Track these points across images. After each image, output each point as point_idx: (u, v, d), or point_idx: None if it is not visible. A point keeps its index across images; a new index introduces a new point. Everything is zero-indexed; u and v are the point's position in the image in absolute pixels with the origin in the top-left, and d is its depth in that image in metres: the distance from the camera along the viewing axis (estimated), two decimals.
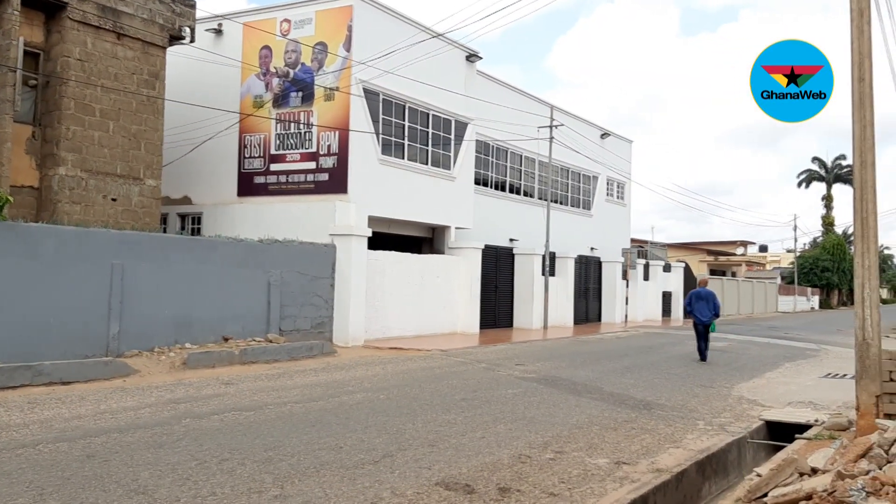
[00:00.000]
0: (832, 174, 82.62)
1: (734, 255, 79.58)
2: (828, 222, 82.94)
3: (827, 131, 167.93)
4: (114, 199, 15.35)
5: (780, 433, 10.09)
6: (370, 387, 11.27)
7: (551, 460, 7.30)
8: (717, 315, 17.48)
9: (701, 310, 17.30)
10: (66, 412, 8.65)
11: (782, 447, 9.61)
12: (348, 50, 17.93)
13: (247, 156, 19.27)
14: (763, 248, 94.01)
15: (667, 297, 34.95)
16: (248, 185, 19.18)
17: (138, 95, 15.71)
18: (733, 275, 63.00)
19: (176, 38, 16.51)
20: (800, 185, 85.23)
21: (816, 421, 9.93)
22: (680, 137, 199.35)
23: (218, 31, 19.53)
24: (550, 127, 25.57)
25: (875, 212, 8.80)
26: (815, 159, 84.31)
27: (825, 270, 73.01)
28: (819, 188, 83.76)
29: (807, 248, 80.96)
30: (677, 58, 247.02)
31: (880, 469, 6.17)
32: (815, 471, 6.60)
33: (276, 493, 5.92)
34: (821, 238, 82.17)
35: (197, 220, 19.76)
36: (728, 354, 18.88)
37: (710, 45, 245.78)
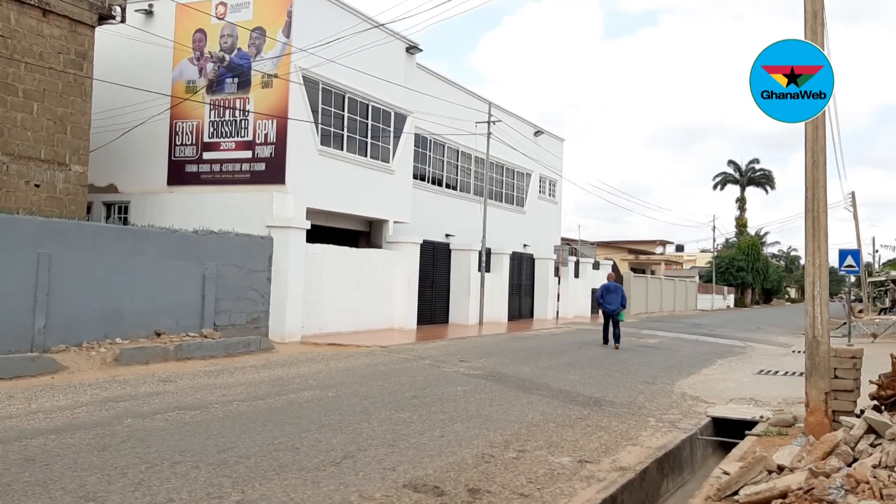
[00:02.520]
0: (746, 177, 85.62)
1: (654, 254, 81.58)
2: (741, 223, 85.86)
3: (739, 135, 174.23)
4: (37, 186, 14.45)
5: (726, 429, 10.23)
6: (316, 384, 10.91)
7: (515, 459, 7.14)
8: (623, 306, 19.69)
9: (610, 301, 19.45)
10: None
11: (732, 443, 9.74)
12: (288, 36, 17.37)
13: (178, 143, 18.48)
14: (679, 248, 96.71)
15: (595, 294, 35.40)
16: (179, 174, 18.40)
17: (65, 76, 14.83)
18: (652, 273, 64.44)
19: (105, 18, 15.65)
20: (715, 186, 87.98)
21: (762, 417, 10.07)
22: (599, 138, 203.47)
23: (148, 12, 18.65)
24: (488, 122, 25.50)
25: (826, 210, 8.94)
26: (730, 162, 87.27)
27: (740, 270, 75.52)
28: (733, 190, 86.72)
29: (719, 248, 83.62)
30: (600, 59, 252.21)
31: (848, 466, 6.23)
32: (780, 468, 6.61)
33: (237, 498, 5.56)
34: (733, 238, 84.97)
35: (124, 209, 18.84)
36: (662, 351, 19.18)
37: (630, 48, 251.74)
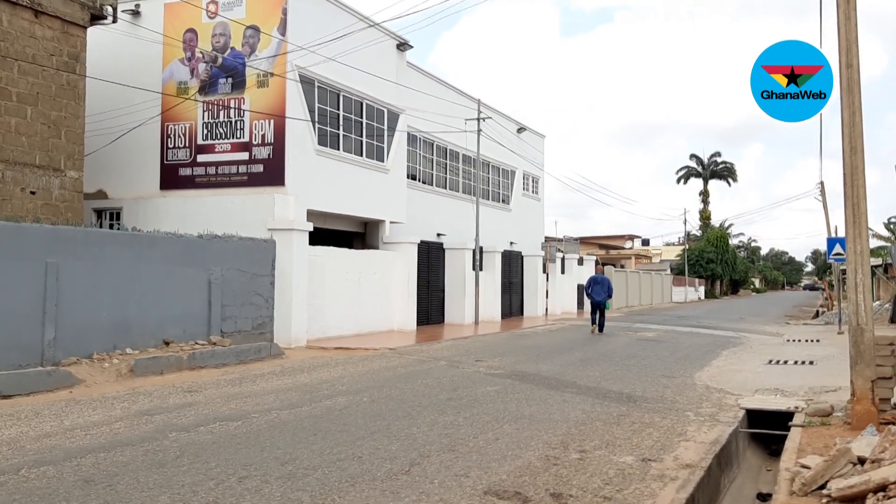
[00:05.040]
0: (708, 171, 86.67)
1: (623, 248, 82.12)
2: (705, 216, 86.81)
3: (695, 131, 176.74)
4: (33, 193, 13.88)
5: (759, 420, 10.16)
6: (345, 389, 10.60)
7: (580, 460, 6.95)
8: (609, 296, 21.95)
9: (597, 292, 21.63)
10: (29, 430, 7.60)
11: (774, 435, 9.69)
12: (283, 34, 16.95)
13: (170, 146, 17.93)
14: (645, 242, 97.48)
15: (581, 289, 35.40)
16: (172, 178, 17.87)
17: (58, 78, 14.27)
18: (622, 266, 64.79)
19: (97, 18, 15.12)
20: (679, 180, 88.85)
21: (796, 408, 10.01)
22: (559, 135, 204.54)
23: (135, 12, 18.04)
24: (478, 120, 25.28)
25: (865, 197, 8.87)
26: (692, 156, 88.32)
27: (710, 262, 76.26)
28: (696, 184, 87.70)
29: (681, 241, 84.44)
30: (558, 57, 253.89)
31: None
32: (861, 460, 6.49)
33: None
34: (696, 232, 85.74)
35: (116, 215, 18.25)
36: (664, 344, 19.14)
37: (587, 46, 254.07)
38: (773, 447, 9.86)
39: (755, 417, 10.29)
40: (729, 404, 10.48)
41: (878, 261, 38.29)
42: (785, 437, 9.14)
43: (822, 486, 6.17)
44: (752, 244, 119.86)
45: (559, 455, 7.11)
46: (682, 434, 8.39)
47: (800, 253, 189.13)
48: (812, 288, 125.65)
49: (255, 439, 7.38)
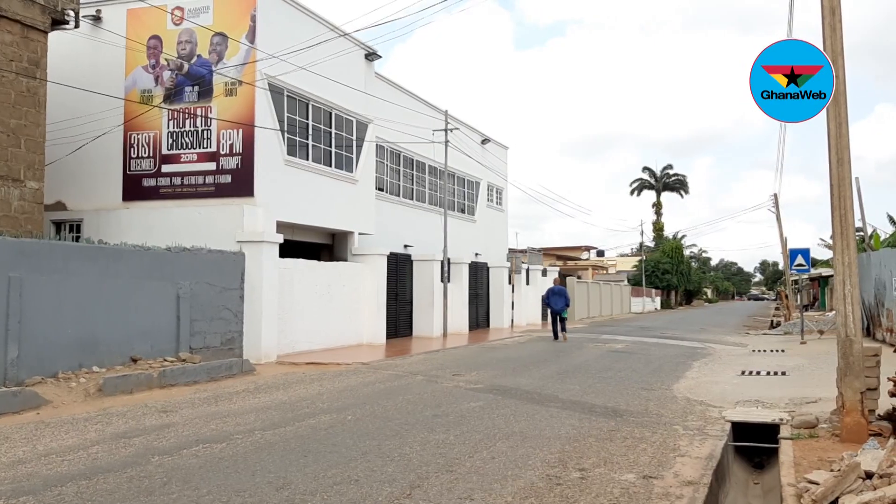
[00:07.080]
0: (661, 183, 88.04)
1: (580, 259, 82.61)
2: (658, 228, 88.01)
3: (644, 143, 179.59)
4: None
5: (743, 433, 10.11)
6: (326, 407, 10.27)
7: (582, 480, 6.77)
8: (567, 305, 23.49)
9: (556, 302, 23.11)
10: (0, 456, 7.14)
11: (761, 448, 9.64)
12: (252, 42, 16.57)
13: (133, 156, 17.37)
14: (600, 253, 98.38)
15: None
16: (135, 189, 17.30)
17: (17, 85, 13.70)
18: (579, 277, 65.07)
19: (58, 22, 14.57)
20: (632, 192, 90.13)
21: (781, 420, 9.98)
22: (515, 147, 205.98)
23: (96, 18, 17.48)
24: (446, 131, 25.11)
25: (853, 209, 8.89)
26: (645, 169, 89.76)
27: (665, 273, 77.12)
28: (649, 195, 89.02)
29: (633, 251, 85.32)
30: (512, 69, 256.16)
31: None
32: (868, 474, 6.42)
33: None
34: (648, 243, 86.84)
35: (76, 227, 17.57)
36: (635, 356, 19.11)
37: (540, 58, 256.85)
38: (755, 460, 9.83)
39: (739, 430, 10.23)
40: (714, 417, 10.42)
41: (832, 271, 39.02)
42: (771, 449, 9.12)
43: (833, 503, 6.08)
44: (703, 255, 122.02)
45: (560, 474, 6.92)
46: (676, 449, 8.28)
47: (748, 264, 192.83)
48: (757, 298, 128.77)
49: (244, 462, 7.04)
